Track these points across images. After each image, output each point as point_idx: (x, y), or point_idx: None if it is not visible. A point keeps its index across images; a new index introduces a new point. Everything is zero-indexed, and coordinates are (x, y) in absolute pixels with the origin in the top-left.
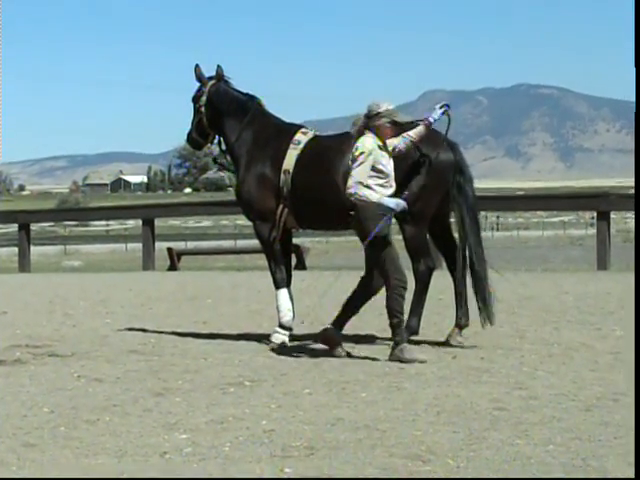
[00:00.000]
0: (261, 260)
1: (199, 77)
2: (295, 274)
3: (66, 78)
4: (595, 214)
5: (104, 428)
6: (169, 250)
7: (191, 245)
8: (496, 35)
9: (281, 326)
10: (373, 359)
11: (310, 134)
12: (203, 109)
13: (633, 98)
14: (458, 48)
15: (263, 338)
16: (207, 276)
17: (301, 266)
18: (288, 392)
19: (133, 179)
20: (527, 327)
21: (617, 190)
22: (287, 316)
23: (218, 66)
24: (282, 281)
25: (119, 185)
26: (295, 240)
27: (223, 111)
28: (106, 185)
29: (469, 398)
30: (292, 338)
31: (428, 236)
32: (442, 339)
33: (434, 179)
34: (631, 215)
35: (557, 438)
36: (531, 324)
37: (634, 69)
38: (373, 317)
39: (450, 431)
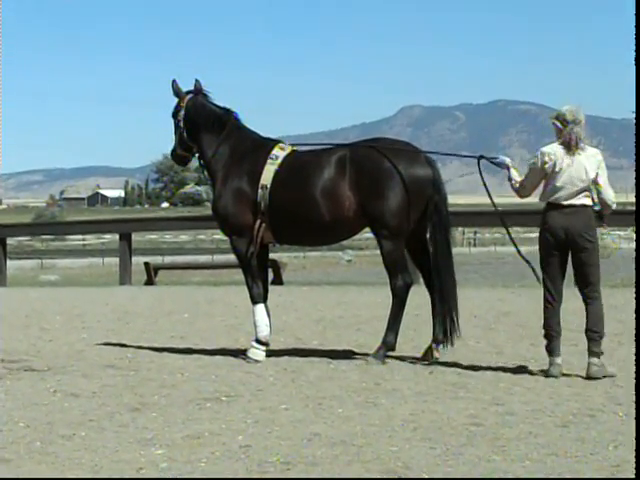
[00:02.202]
0: (238, 275)
1: (176, 92)
2: (272, 289)
3: (44, 92)
4: None
5: (80, 443)
6: (146, 265)
7: (168, 260)
8: (474, 51)
9: (258, 341)
10: (350, 375)
11: (288, 149)
12: (182, 124)
13: (609, 115)
14: (436, 64)
15: (240, 353)
16: (184, 291)
17: (278, 281)
18: (265, 407)
19: (110, 193)
20: (504, 343)
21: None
22: (264, 331)
23: (196, 80)
24: (259, 296)
25: (96, 199)
26: (272, 255)
27: (200, 125)
28: (83, 199)
29: (446, 414)
30: (269, 353)
31: (406, 251)
32: (419, 355)
33: (412, 195)
34: (605, 231)
35: (534, 454)
36: (508, 340)
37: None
38: (351, 332)
39: (426, 447)
